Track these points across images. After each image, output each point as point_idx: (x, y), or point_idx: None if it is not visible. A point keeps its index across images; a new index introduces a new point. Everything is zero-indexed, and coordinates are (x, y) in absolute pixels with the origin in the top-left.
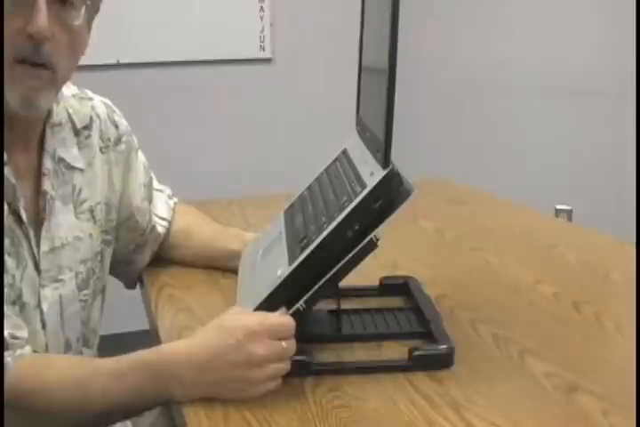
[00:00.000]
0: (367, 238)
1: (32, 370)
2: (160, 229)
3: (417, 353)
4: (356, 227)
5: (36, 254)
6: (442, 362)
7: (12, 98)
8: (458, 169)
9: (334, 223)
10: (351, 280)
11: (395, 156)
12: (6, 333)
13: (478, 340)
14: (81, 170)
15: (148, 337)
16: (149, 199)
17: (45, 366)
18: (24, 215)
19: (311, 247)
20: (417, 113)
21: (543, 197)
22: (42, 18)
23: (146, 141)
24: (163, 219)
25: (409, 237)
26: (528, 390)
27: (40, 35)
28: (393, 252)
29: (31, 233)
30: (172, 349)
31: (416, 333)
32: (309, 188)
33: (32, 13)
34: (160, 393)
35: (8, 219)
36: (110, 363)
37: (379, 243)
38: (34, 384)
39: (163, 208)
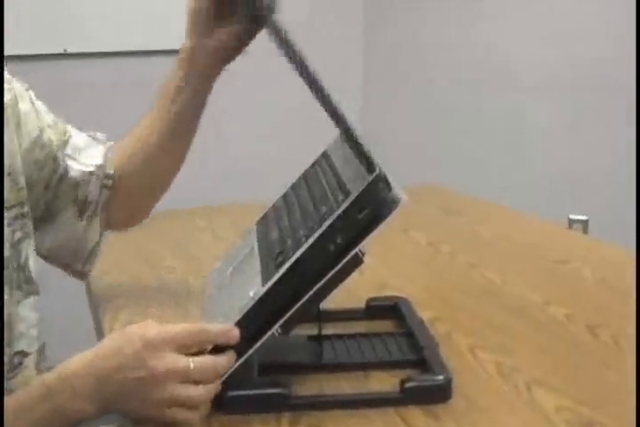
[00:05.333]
0: (351, 253)
1: None
2: (75, 173)
3: (409, 385)
4: (339, 240)
5: None
6: (438, 395)
7: None
8: (454, 174)
9: (314, 237)
10: (334, 302)
11: (383, 160)
12: None
13: (479, 369)
14: None
15: None
16: (59, 142)
17: None
18: None
19: (287, 264)
20: (408, 113)
21: (554, 206)
22: None
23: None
24: (89, 165)
25: (399, 251)
26: None
27: None
28: (381, 269)
29: None
30: (75, 362)
31: (408, 361)
32: (285, 196)
33: None
34: (69, 413)
35: None
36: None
37: (364, 258)
38: None
39: (89, 153)
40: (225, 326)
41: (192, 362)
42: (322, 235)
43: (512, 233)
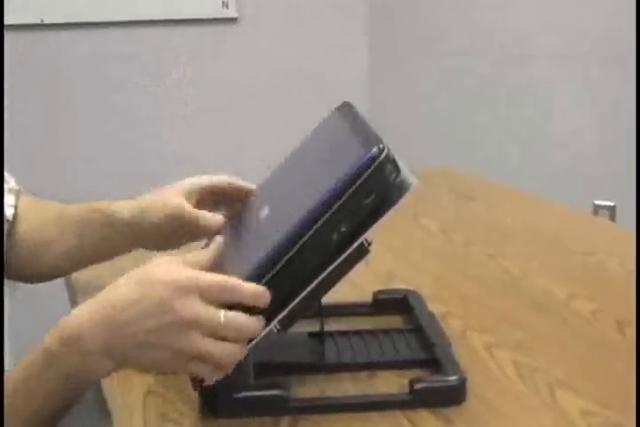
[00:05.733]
0: (356, 243)
1: None
2: None
3: (419, 386)
4: (343, 229)
5: None
6: (450, 397)
7: None
8: (468, 157)
9: (316, 225)
10: (337, 295)
11: (394, 141)
12: None
13: (496, 369)
14: None
15: None
16: None
17: None
18: None
19: (287, 256)
20: (418, 89)
21: (578, 191)
22: None
23: (73, 117)
24: None
25: (408, 240)
26: None
27: None
28: (389, 259)
29: None
30: (77, 322)
31: (418, 360)
32: (276, 174)
33: None
34: (82, 377)
35: None
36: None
37: (371, 248)
38: None
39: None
40: (259, 287)
41: (223, 316)
42: (324, 222)
43: (532, 220)
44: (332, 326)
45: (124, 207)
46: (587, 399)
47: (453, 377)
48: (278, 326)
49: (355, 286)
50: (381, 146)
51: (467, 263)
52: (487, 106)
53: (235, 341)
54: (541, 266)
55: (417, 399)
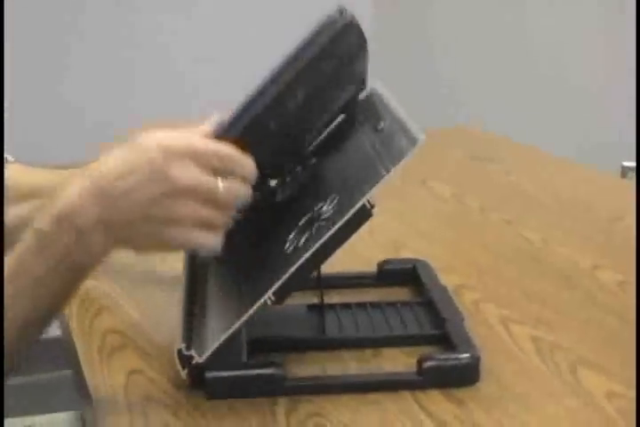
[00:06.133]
0: (357, 205)
1: None
2: None
3: (429, 364)
4: (300, 94)
5: None
6: (463, 376)
7: None
8: (485, 114)
9: (274, 85)
10: (338, 265)
11: (398, 95)
12: None
13: (513, 346)
14: None
15: (58, 346)
16: None
17: None
18: None
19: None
20: (426, 35)
21: (604, 151)
22: None
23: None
24: None
25: (417, 205)
26: (582, 416)
27: None
28: (395, 226)
29: None
30: (68, 196)
31: (428, 336)
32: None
33: None
34: (77, 258)
35: None
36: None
37: (375, 212)
38: None
39: None
40: (250, 160)
41: (221, 183)
42: (283, 82)
43: (555, 184)
44: (334, 298)
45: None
46: (612, 379)
47: (466, 355)
48: (273, 298)
49: (358, 256)
50: (345, 10)
51: (482, 231)
52: (503, 60)
53: (230, 209)
54: (564, 234)
55: (426, 379)
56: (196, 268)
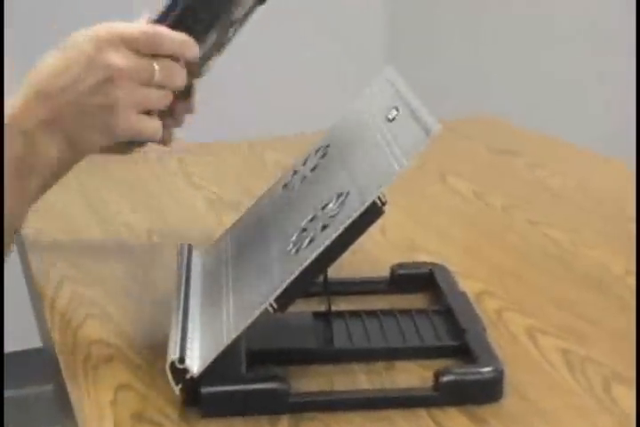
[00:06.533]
0: (367, 202)
1: None
2: None
3: (447, 379)
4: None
5: None
6: (485, 392)
7: None
8: (509, 103)
9: None
10: (348, 268)
11: (412, 82)
12: None
13: (540, 359)
14: None
15: (39, 359)
16: None
17: None
18: None
19: None
20: (446, 20)
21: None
22: None
23: None
24: None
25: (435, 203)
26: None
27: None
28: (410, 226)
29: None
30: (9, 106)
31: (445, 348)
32: None
33: None
34: (32, 165)
35: None
36: None
37: (386, 208)
38: None
39: None
40: (186, 37)
41: (156, 64)
42: None
43: (585, 180)
44: (342, 305)
45: None
46: None
47: (488, 368)
48: (275, 305)
49: (369, 259)
50: None
51: (505, 232)
52: (526, 45)
53: (170, 87)
54: (595, 235)
55: (443, 395)
56: (191, 273)
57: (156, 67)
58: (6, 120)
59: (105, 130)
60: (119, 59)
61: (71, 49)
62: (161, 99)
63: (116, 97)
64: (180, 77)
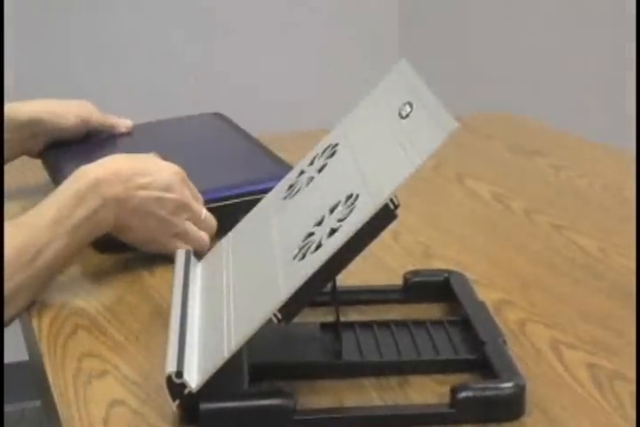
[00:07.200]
0: (379, 205)
1: None
2: None
3: (464, 395)
4: None
5: None
6: (505, 409)
7: None
8: (532, 100)
9: None
10: (359, 277)
11: (427, 76)
12: None
13: (565, 374)
14: None
15: (26, 373)
16: None
17: None
18: None
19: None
20: (464, 9)
21: None
22: None
23: None
24: None
25: (451, 206)
26: None
27: None
28: (425, 231)
29: None
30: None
31: (463, 361)
32: None
33: None
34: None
35: None
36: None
37: (399, 212)
38: None
39: None
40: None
41: (204, 213)
42: None
43: (613, 181)
44: (352, 315)
45: (24, 108)
46: None
47: (509, 384)
48: (279, 315)
49: (381, 266)
50: None
51: (527, 238)
52: (546, 39)
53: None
54: (625, 241)
55: (461, 412)
56: (190, 281)
57: (204, 214)
58: (98, 176)
59: (148, 234)
60: (185, 195)
61: (158, 166)
62: (196, 234)
63: (168, 214)
64: (211, 232)
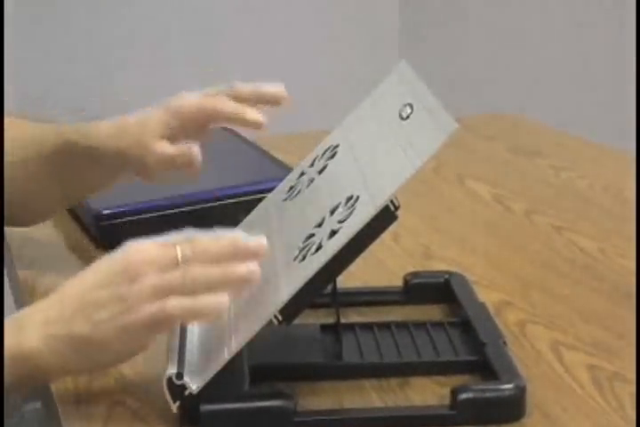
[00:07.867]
0: (380, 206)
1: None
2: None
3: (464, 396)
4: None
5: None
6: (505, 411)
7: None
8: (534, 101)
9: None
10: (358, 277)
11: (427, 77)
12: None
13: (566, 376)
14: None
15: None
16: None
17: None
18: None
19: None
20: (463, 9)
21: None
22: None
23: None
24: None
25: (451, 207)
26: None
27: None
28: (426, 232)
29: None
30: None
31: (463, 363)
32: None
33: None
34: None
35: None
36: None
37: (399, 213)
38: None
39: None
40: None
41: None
42: None
43: (614, 182)
44: (352, 317)
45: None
46: None
47: (509, 385)
48: (280, 317)
49: (381, 267)
50: None
51: (528, 239)
52: (547, 38)
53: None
54: (625, 243)
55: (461, 414)
56: None
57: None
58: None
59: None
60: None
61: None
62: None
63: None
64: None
